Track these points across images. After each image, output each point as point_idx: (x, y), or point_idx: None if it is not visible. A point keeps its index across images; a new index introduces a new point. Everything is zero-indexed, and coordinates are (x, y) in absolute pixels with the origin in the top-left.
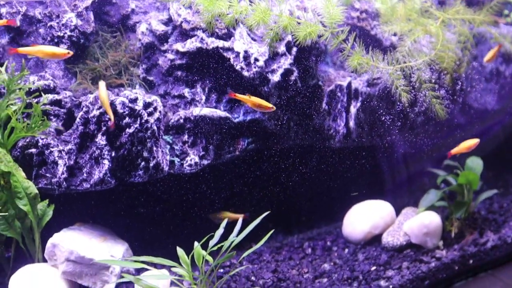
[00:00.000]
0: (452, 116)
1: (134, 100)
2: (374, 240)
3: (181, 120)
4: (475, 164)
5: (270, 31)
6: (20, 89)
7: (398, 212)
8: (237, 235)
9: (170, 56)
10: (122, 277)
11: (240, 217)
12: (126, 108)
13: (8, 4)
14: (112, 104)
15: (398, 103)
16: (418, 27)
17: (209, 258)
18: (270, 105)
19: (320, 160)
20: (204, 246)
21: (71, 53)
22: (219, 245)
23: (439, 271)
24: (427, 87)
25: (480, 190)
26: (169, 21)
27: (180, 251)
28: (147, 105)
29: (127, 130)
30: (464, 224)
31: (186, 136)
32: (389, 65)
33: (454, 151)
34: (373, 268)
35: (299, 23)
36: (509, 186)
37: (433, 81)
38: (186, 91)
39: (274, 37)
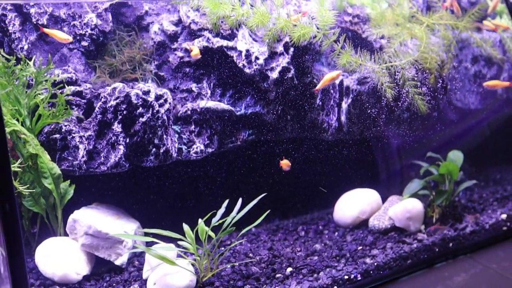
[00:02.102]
0: (437, 113)
1: (147, 92)
2: (362, 224)
3: (189, 112)
4: (456, 156)
5: (269, 32)
6: (46, 81)
7: (384, 200)
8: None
9: (180, 54)
10: (135, 248)
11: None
12: (140, 99)
13: (36, 5)
14: (127, 95)
15: (383, 98)
16: (404, 31)
17: (212, 233)
18: (67, 37)
19: (314, 152)
20: (207, 224)
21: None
22: (220, 221)
23: (420, 252)
24: (410, 84)
25: (463, 182)
26: (179, 22)
27: (185, 227)
28: (158, 97)
29: (140, 119)
30: (445, 211)
31: (193, 126)
32: (376, 64)
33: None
34: (360, 247)
35: (295, 25)
36: (490, 180)
37: (416, 79)
38: (194, 86)
39: (272, 37)
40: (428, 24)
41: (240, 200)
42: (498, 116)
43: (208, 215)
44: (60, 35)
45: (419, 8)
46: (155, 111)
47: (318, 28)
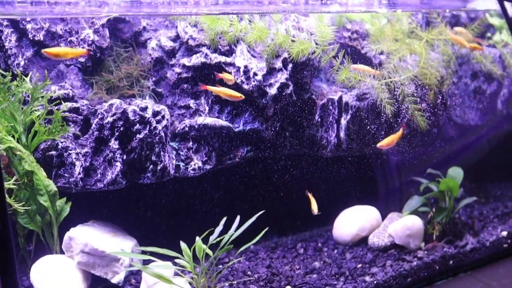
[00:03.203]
0: (437, 129)
1: (144, 109)
2: (361, 241)
3: (186, 128)
4: (456, 173)
5: (267, 48)
6: (42, 97)
7: (384, 216)
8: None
9: (177, 70)
10: (131, 266)
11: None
12: (137, 116)
13: (33, 21)
14: (124, 112)
15: (383, 114)
16: (403, 46)
17: (209, 251)
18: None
19: (313, 168)
20: (205, 242)
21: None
22: (218, 239)
23: (421, 270)
24: (409, 100)
25: (463, 198)
26: (176, 38)
27: (183, 245)
28: (155, 114)
29: (138, 135)
30: (445, 228)
31: (190, 143)
32: (375, 80)
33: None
34: (359, 265)
35: (293, 41)
36: (490, 196)
37: (416, 95)
38: (191, 102)
39: (271, 53)
40: (428, 40)
41: (238, 218)
42: (498, 132)
43: (206, 232)
44: (231, 92)
45: (418, 24)
46: (152, 127)
47: (317, 44)
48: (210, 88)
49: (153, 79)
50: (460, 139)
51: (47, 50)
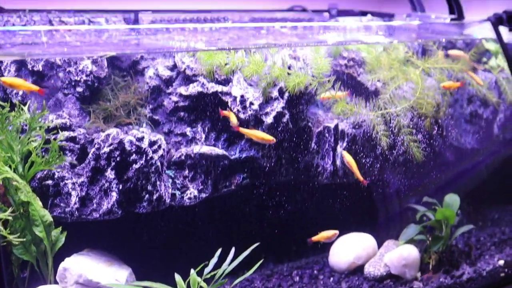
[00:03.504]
0: (433, 156)
1: (140, 139)
2: (357, 270)
3: (183, 157)
4: (452, 200)
5: (263, 80)
6: (40, 127)
7: (380, 244)
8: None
9: (174, 98)
10: None
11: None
12: (133, 146)
13: None
14: (121, 142)
15: (378, 145)
16: (399, 75)
17: (204, 284)
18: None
19: (309, 195)
20: (200, 274)
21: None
22: (212, 273)
23: None
24: (405, 132)
25: (460, 223)
26: (174, 67)
27: (177, 277)
28: (152, 143)
29: (134, 165)
30: (442, 257)
31: (187, 171)
32: (371, 111)
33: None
34: None
35: (289, 74)
36: (487, 220)
37: (412, 125)
38: (188, 130)
39: (267, 85)
40: (424, 68)
41: (232, 250)
42: (495, 156)
43: (200, 266)
44: (263, 136)
45: (414, 51)
46: (148, 157)
47: (313, 76)
48: (243, 130)
49: (150, 106)
50: (457, 163)
51: (3, 78)
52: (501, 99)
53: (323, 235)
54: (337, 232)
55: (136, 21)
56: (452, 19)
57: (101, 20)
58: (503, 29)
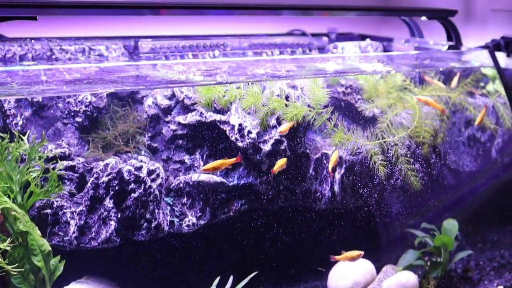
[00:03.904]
0: (431, 182)
1: (139, 168)
2: None
3: (181, 185)
4: (451, 226)
5: (261, 112)
6: (39, 157)
7: (378, 269)
8: None
9: (173, 127)
10: None
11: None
12: (132, 176)
13: None
14: (119, 172)
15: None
16: (397, 103)
17: None
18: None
19: (307, 221)
20: None
21: None
22: None
23: None
24: (403, 161)
25: (459, 247)
26: (172, 96)
27: None
28: (150, 172)
29: (132, 194)
30: (441, 283)
31: (185, 199)
32: (368, 140)
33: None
34: None
35: (287, 105)
36: (487, 241)
37: (409, 155)
38: (186, 158)
39: (265, 115)
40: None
41: (231, 279)
42: (494, 179)
43: None
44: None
45: (412, 79)
46: (147, 186)
47: (310, 107)
48: (339, 258)
49: (149, 134)
50: (455, 186)
51: None
52: (498, 123)
53: (347, 255)
54: (362, 253)
55: (136, 48)
56: (450, 46)
57: (101, 48)
58: (501, 55)
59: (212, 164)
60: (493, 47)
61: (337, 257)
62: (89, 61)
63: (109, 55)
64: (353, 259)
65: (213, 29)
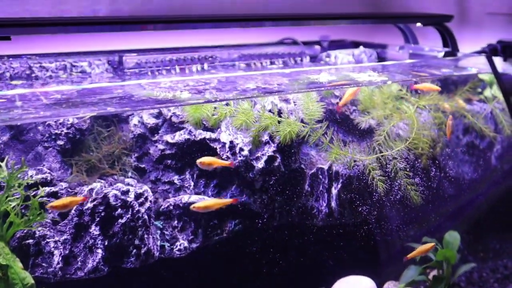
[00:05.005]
0: (431, 193)
1: (125, 192)
2: None
3: (171, 207)
4: (453, 238)
5: (253, 130)
6: (19, 184)
7: (380, 286)
8: None
9: (161, 146)
10: None
11: None
12: (119, 201)
13: None
14: (105, 197)
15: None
16: (394, 114)
17: None
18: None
19: (304, 238)
20: None
21: None
22: None
23: None
24: (402, 175)
25: (462, 257)
26: (159, 114)
27: None
28: (138, 196)
29: (120, 220)
30: None
31: (176, 222)
32: (366, 155)
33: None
34: None
35: (279, 122)
36: (489, 250)
37: (408, 168)
38: (176, 178)
39: (257, 133)
40: (419, 106)
41: None
42: (494, 186)
43: None
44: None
45: (408, 89)
46: (135, 211)
47: (304, 122)
48: (412, 255)
49: (136, 155)
50: (455, 195)
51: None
52: (497, 130)
53: (420, 250)
54: (433, 244)
55: (120, 63)
56: (446, 53)
57: (84, 64)
58: (497, 59)
59: (204, 202)
60: (489, 52)
61: (410, 255)
62: (71, 79)
63: (92, 71)
64: (426, 251)
65: (200, 40)
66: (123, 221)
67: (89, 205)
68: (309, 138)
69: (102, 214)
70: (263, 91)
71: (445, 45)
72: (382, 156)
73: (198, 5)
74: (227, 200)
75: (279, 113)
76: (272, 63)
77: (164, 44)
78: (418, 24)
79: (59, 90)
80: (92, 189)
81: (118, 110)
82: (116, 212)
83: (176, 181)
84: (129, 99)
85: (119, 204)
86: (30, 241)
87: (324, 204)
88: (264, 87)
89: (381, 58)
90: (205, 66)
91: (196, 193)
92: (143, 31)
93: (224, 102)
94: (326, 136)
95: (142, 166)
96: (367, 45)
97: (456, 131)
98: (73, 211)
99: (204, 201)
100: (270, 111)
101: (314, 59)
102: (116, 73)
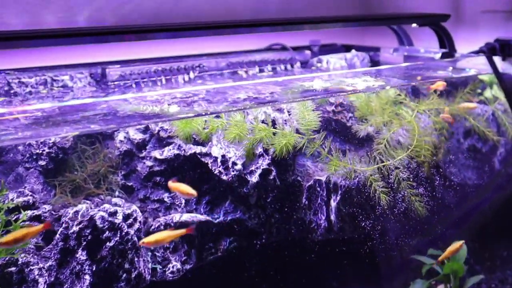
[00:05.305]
0: (435, 202)
1: (113, 214)
2: None
3: (161, 227)
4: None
5: (247, 143)
6: (0, 209)
7: None
8: None
9: (149, 163)
10: None
11: None
12: (106, 223)
13: None
14: (91, 219)
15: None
16: (393, 120)
17: None
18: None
19: (303, 253)
20: None
21: None
22: None
23: None
24: (405, 186)
25: (469, 268)
26: (146, 129)
27: None
28: (126, 217)
29: (108, 243)
30: None
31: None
32: (366, 165)
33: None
34: None
35: (274, 134)
36: (496, 258)
37: (412, 178)
38: (166, 196)
39: (251, 143)
40: (418, 111)
41: None
42: (498, 190)
43: None
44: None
45: (407, 93)
46: (123, 233)
47: (300, 133)
48: (442, 257)
49: (123, 173)
50: (459, 202)
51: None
52: (500, 132)
53: (450, 251)
54: (463, 242)
55: (103, 76)
56: (443, 54)
57: (65, 78)
58: (496, 58)
59: (154, 236)
60: (488, 51)
61: (440, 258)
62: (52, 94)
63: (74, 85)
64: (457, 251)
65: (187, 48)
66: (111, 244)
67: (75, 228)
68: (307, 149)
69: (89, 238)
70: (255, 101)
71: (441, 45)
72: (383, 166)
73: (184, 12)
74: (180, 231)
75: (273, 123)
76: (261, 70)
77: (149, 54)
78: (414, 25)
79: (39, 108)
80: (77, 212)
81: (103, 128)
82: (104, 235)
83: (166, 199)
84: (114, 115)
85: (107, 226)
86: (13, 268)
87: (323, 218)
88: (255, 97)
89: (374, 62)
90: (192, 75)
91: (188, 211)
92: (125, 41)
93: (214, 115)
94: (324, 146)
95: (130, 184)
96: (359, 48)
97: (457, 135)
98: (57, 235)
99: (154, 235)
100: (263, 122)
101: (304, 64)
102: (99, 86)
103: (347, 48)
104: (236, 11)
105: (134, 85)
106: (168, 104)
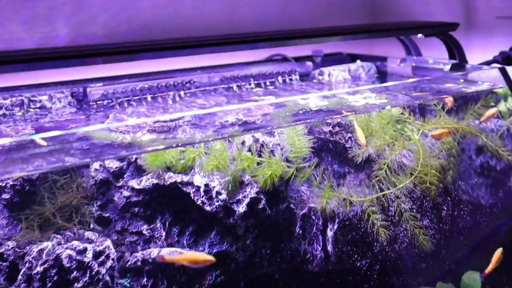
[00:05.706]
0: (444, 235)
1: (82, 252)
2: None
3: (139, 263)
4: (472, 280)
5: (229, 174)
6: None
7: None
8: None
9: (126, 193)
10: None
11: None
12: (74, 262)
13: None
14: (58, 258)
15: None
16: (396, 141)
17: None
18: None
19: (298, 286)
20: None
21: None
22: None
23: None
24: (408, 218)
25: None
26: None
27: None
28: (97, 255)
29: (76, 285)
30: None
31: (145, 279)
32: (364, 195)
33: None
34: None
35: (259, 163)
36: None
37: (415, 208)
38: (145, 228)
39: (234, 178)
40: (424, 131)
41: None
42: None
43: None
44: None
45: (411, 112)
46: (93, 273)
47: (289, 161)
48: (490, 268)
49: (98, 203)
50: (471, 231)
51: None
52: None
53: (495, 259)
54: (500, 249)
55: (85, 95)
56: (453, 65)
57: (44, 98)
58: (511, 69)
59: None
60: (502, 61)
61: (487, 271)
62: (29, 116)
63: (53, 106)
64: (500, 259)
65: (176, 62)
66: (79, 285)
67: (39, 268)
68: (296, 179)
69: (55, 279)
70: (244, 126)
71: (451, 56)
72: (383, 195)
73: (176, 26)
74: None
75: (260, 150)
76: (257, 85)
77: (135, 69)
78: (420, 36)
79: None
80: (42, 250)
81: (77, 162)
82: (71, 276)
83: (145, 232)
84: (90, 143)
85: (75, 266)
86: None
87: (319, 248)
88: (245, 120)
89: (380, 72)
90: (182, 93)
91: (169, 244)
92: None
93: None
94: (315, 177)
95: (106, 215)
96: (364, 58)
97: (468, 152)
98: (20, 276)
99: (180, 255)
100: (249, 150)
101: (305, 77)
102: (81, 106)
103: (352, 58)
104: (235, 22)
105: (117, 106)
106: (147, 131)
